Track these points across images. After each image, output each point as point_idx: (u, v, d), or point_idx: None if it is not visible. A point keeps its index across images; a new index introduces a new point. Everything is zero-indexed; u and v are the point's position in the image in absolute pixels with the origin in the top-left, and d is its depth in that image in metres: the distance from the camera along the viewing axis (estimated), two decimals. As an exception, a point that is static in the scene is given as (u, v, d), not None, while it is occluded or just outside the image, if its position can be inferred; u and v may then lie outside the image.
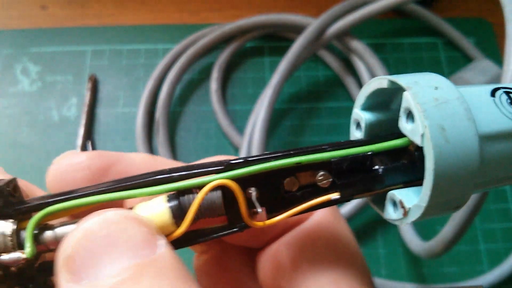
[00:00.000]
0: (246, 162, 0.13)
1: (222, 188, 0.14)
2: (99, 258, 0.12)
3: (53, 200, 0.13)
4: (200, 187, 0.13)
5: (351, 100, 0.48)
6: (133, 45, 0.50)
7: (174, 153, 0.45)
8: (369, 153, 0.14)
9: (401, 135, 0.14)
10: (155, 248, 0.12)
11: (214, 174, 0.14)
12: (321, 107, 0.48)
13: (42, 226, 0.14)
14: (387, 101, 0.15)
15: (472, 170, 0.13)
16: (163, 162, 0.17)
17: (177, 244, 0.14)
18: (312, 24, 0.45)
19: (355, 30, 0.47)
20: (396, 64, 0.50)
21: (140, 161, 0.17)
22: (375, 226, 0.43)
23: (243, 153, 0.42)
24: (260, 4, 0.53)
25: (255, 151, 0.40)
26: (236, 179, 0.13)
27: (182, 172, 0.14)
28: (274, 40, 0.51)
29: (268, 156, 0.14)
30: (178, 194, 0.14)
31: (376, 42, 0.51)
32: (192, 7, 0.53)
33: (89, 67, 0.49)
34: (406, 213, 0.14)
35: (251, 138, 0.43)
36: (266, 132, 0.41)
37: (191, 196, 0.14)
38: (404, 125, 0.13)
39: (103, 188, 0.14)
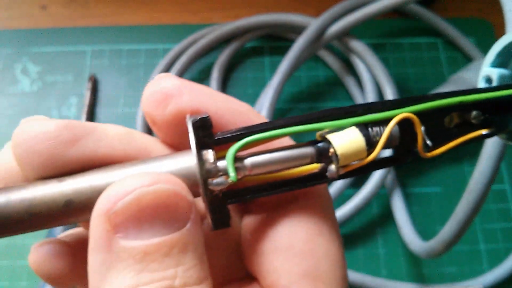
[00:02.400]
0: (423, 98, 0.15)
1: (400, 122, 0.15)
2: (140, 224, 0.13)
3: (249, 132, 0.14)
4: (384, 120, 0.15)
5: (351, 100, 0.48)
6: (133, 45, 0.50)
7: (174, 153, 0.45)
8: None
9: None
10: (187, 224, 0.13)
11: (394, 110, 0.15)
12: (321, 107, 0.48)
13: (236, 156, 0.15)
14: (507, 60, 0.18)
15: None
16: (139, 135, 0.16)
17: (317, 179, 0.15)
18: (312, 24, 0.45)
19: (355, 30, 0.47)
20: (396, 64, 0.50)
21: (114, 135, 0.15)
22: (375, 226, 0.43)
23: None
24: (260, 4, 0.53)
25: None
26: (415, 113, 0.15)
27: (364, 108, 0.15)
28: (274, 40, 0.51)
29: (436, 95, 0.16)
30: (366, 126, 0.15)
31: (376, 42, 0.51)
32: (192, 7, 0.53)
33: (89, 67, 0.49)
34: None
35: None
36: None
37: (377, 128, 0.15)
38: None
39: (297, 120, 0.15)
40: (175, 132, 0.16)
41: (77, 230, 0.17)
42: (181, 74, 0.47)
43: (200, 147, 0.14)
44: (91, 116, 0.46)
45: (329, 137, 0.15)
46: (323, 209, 0.17)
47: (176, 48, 0.48)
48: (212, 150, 0.14)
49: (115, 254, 0.13)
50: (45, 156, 0.14)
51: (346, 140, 0.15)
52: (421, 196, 0.44)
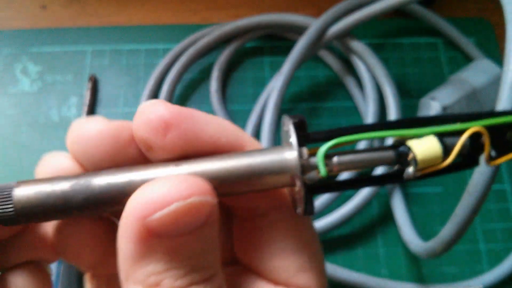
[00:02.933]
0: (494, 115, 0.17)
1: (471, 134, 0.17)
2: (173, 228, 0.15)
3: (338, 134, 0.16)
4: (458, 132, 0.17)
5: (351, 100, 0.48)
6: (133, 45, 0.50)
7: (174, 153, 0.45)
8: None
9: None
10: (208, 223, 0.15)
11: (468, 122, 0.17)
12: (321, 107, 0.48)
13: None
14: None
15: None
16: (229, 126, 0.18)
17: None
18: (313, 25, 0.45)
19: (355, 30, 0.47)
20: (396, 64, 0.50)
21: (216, 124, 0.17)
22: (375, 226, 0.43)
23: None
24: (260, 4, 0.53)
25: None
26: (485, 127, 0.17)
27: (441, 119, 0.17)
28: (274, 40, 0.51)
29: (505, 112, 0.17)
30: (442, 135, 0.17)
31: (376, 42, 0.51)
32: (192, 7, 0.53)
33: (89, 67, 0.49)
34: None
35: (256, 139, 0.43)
36: (272, 136, 0.41)
37: (451, 138, 0.17)
38: None
39: (381, 126, 0.17)
40: (172, 156, 0.17)
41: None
42: (181, 74, 0.47)
43: (299, 144, 0.16)
44: (91, 116, 0.46)
45: (410, 143, 0.17)
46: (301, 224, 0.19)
47: (176, 48, 0.48)
48: (306, 147, 0.16)
49: (147, 246, 0.15)
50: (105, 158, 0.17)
51: (425, 147, 0.17)
52: (421, 196, 0.44)
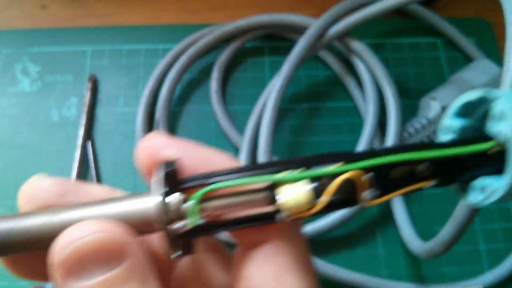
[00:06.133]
0: (370, 155, 0.17)
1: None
2: (85, 267, 0.15)
3: (212, 181, 0.16)
4: (331, 175, 0.17)
5: (351, 100, 0.48)
6: (133, 45, 0.50)
7: (174, 153, 0.45)
8: (468, 153, 0.17)
9: (487, 137, 0.17)
10: (125, 261, 0.16)
11: (341, 164, 0.17)
12: (321, 107, 0.48)
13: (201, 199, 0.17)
14: (471, 111, 0.18)
15: None
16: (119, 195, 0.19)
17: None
18: (313, 25, 0.45)
19: (355, 30, 0.47)
20: (396, 64, 0.50)
21: (96, 194, 0.19)
22: (374, 226, 0.43)
23: (243, 153, 0.42)
24: (260, 4, 0.53)
25: (262, 154, 0.40)
26: (360, 169, 0.16)
27: (316, 162, 0.17)
28: (274, 40, 0.51)
29: (386, 150, 0.17)
30: (313, 180, 0.17)
31: (376, 42, 0.51)
32: (192, 7, 0.53)
33: (89, 67, 0.49)
34: (488, 197, 0.17)
35: (255, 141, 0.43)
36: (271, 136, 0.41)
37: (325, 181, 0.17)
38: (493, 127, 0.17)
39: (257, 172, 0.17)
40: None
41: None
42: (181, 74, 0.47)
43: (169, 190, 0.16)
44: (91, 116, 0.46)
45: (281, 189, 0.17)
46: (292, 247, 0.18)
47: (176, 48, 0.48)
48: (180, 193, 0.16)
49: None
50: (41, 204, 0.18)
51: (295, 193, 0.17)
52: (421, 196, 0.44)
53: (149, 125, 0.46)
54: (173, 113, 0.47)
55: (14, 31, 0.50)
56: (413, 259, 0.41)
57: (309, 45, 0.44)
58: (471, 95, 0.18)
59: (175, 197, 0.16)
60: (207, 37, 0.48)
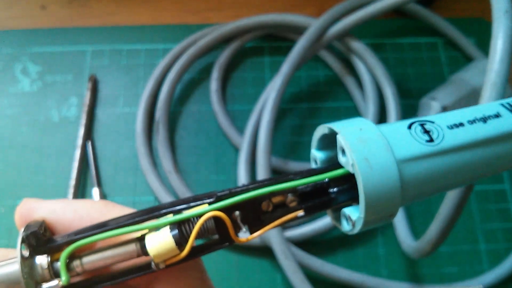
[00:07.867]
0: (231, 194, 0.17)
1: (213, 216, 0.17)
2: None
3: (76, 238, 0.17)
4: (197, 216, 0.17)
5: (351, 100, 0.48)
6: (133, 45, 0.50)
7: (174, 153, 0.45)
8: (326, 180, 0.18)
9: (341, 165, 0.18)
10: None
11: (207, 205, 0.17)
12: (321, 107, 0.48)
13: (71, 256, 0.17)
14: (332, 142, 0.19)
15: (395, 187, 0.17)
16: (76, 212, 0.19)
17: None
18: (313, 25, 0.45)
19: (355, 30, 0.47)
20: (396, 64, 0.50)
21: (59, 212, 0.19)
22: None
23: (243, 153, 0.42)
24: (260, 4, 0.53)
25: (261, 154, 0.40)
26: (224, 208, 0.17)
27: (181, 205, 0.17)
28: (274, 40, 0.51)
29: (248, 187, 0.17)
30: (180, 224, 0.17)
31: (376, 42, 0.51)
32: (192, 7, 0.53)
33: (89, 67, 0.49)
34: (354, 225, 0.18)
35: (255, 141, 0.43)
36: (270, 136, 0.41)
37: (190, 224, 0.17)
38: (340, 158, 0.18)
39: (119, 224, 0.17)
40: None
41: None
42: (181, 74, 0.47)
43: (36, 251, 0.17)
44: (91, 116, 0.46)
45: (147, 237, 0.17)
46: (187, 283, 0.19)
47: (176, 48, 0.48)
48: (47, 254, 0.17)
49: None
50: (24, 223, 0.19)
51: (158, 241, 0.17)
52: (421, 196, 0.44)
53: (149, 125, 0.46)
54: (173, 113, 0.47)
55: (14, 31, 0.50)
56: (413, 259, 0.41)
57: (309, 45, 0.44)
58: (322, 129, 0.19)
59: (41, 258, 0.16)
60: (207, 37, 0.48)
